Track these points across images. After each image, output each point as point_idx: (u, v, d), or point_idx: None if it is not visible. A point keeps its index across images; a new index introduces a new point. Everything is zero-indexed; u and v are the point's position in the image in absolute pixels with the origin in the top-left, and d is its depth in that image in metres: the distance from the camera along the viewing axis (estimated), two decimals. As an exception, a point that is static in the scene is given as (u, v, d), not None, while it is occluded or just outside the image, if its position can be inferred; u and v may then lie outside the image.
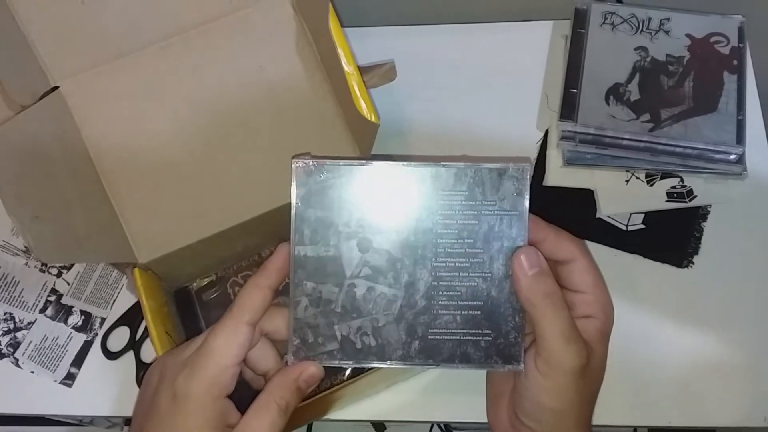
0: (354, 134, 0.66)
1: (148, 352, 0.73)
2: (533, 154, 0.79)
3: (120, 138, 0.64)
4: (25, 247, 0.78)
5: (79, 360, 0.74)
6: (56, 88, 0.63)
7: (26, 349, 0.74)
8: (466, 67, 0.85)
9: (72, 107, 0.63)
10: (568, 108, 0.76)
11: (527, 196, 0.48)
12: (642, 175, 0.76)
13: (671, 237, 0.74)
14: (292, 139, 0.65)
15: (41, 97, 0.62)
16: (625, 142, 0.75)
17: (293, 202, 0.48)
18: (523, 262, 0.47)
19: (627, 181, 0.76)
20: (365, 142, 0.64)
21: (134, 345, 0.73)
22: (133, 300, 0.75)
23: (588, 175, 0.77)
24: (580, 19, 0.81)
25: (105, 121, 0.64)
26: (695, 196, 0.75)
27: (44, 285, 0.77)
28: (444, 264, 0.48)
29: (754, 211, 0.74)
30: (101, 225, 0.63)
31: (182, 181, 0.65)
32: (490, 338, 0.48)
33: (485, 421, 0.55)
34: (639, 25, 0.80)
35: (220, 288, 0.72)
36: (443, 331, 0.48)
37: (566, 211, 0.76)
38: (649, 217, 0.75)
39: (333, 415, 0.69)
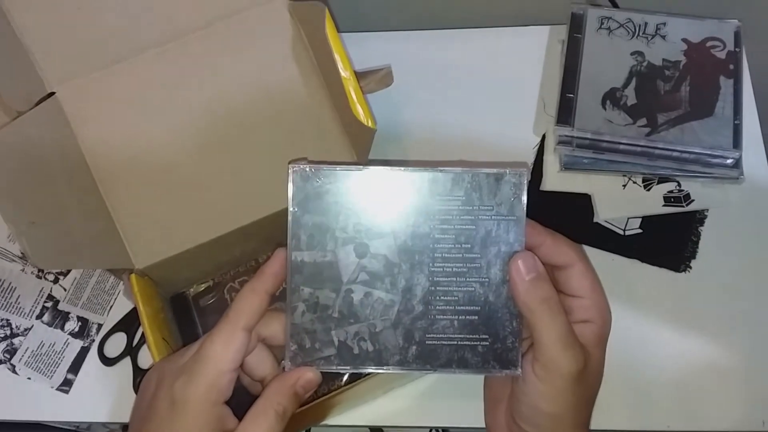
0: (351, 139, 0.66)
1: (145, 358, 0.73)
2: (530, 159, 0.79)
3: (116, 143, 0.64)
4: (22, 253, 0.78)
5: (75, 366, 0.73)
6: (52, 93, 0.63)
7: (23, 356, 0.74)
8: (462, 71, 0.85)
9: (68, 113, 0.63)
10: (565, 113, 0.76)
11: (524, 201, 0.48)
12: (639, 180, 0.76)
13: (668, 241, 0.74)
14: (289, 144, 0.65)
15: (37, 103, 0.62)
16: (622, 147, 0.75)
17: (290, 207, 0.47)
18: (521, 267, 0.47)
19: (624, 186, 0.76)
20: (362, 148, 0.63)
21: (131, 351, 0.73)
22: (129, 306, 0.75)
23: (585, 179, 0.77)
24: (576, 24, 0.81)
25: (101, 126, 0.64)
26: (692, 201, 0.75)
27: (41, 291, 0.77)
28: (441, 269, 0.48)
29: (751, 215, 0.74)
30: (98, 231, 0.62)
31: (179, 187, 0.65)
32: (487, 343, 0.48)
33: (483, 426, 0.54)
34: (635, 29, 0.80)
35: (217, 293, 0.71)
36: (440, 336, 0.48)
37: (563, 215, 0.76)
38: (647, 221, 0.75)
39: (331, 420, 0.69)
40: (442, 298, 0.48)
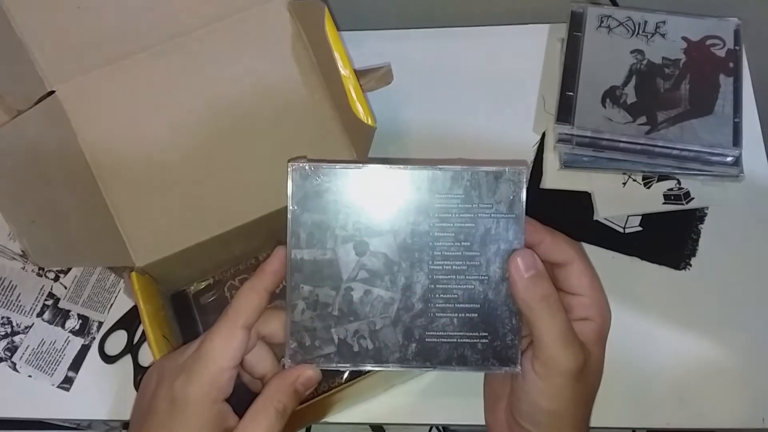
0: (351, 137, 0.66)
1: (145, 356, 0.73)
2: (530, 157, 0.79)
3: (116, 142, 0.64)
4: (22, 251, 0.78)
5: (76, 364, 0.74)
6: (52, 92, 0.63)
7: (24, 353, 0.74)
8: (462, 70, 0.85)
9: (68, 111, 0.63)
10: (565, 111, 0.76)
11: (524, 199, 0.48)
12: (639, 178, 0.76)
13: (668, 239, 0.74)
14: (289, 142, 0.65)
15: (37, 102, 0.62)
16: (621, 145, 0.75)
17: (289, 205, 0.48)
18: (520, 265, 0.47)
19: (624, 184, 0.76)
20: (362, 146, 0.64)
21: (132, 349, 0.73)
22: (130, 304, 0.75)
23: (585, 177, 0.77)
24: (576, 23, 0.81)
25: (101, 125, 0.64)
26: (692, 199, 0.75)
27: (41, 289, 0.77)
28: (441, 267, 0.48)
29: (751, 213, 0.74)
30: (98, 229, 0.63)
31: (179, 185, 0.65)
32: (486, 341, 0.48)
33: (483, 423, 0.55)
34: (635, 28, 0.80)
35: (217, 291, 0.72)
36: (440, 333, 0.48)
37: (563, 213, 0.76)
38: (647, 219, 0.75)
39: (331, 418, 0.69)
40: (441, 295, 0.48)
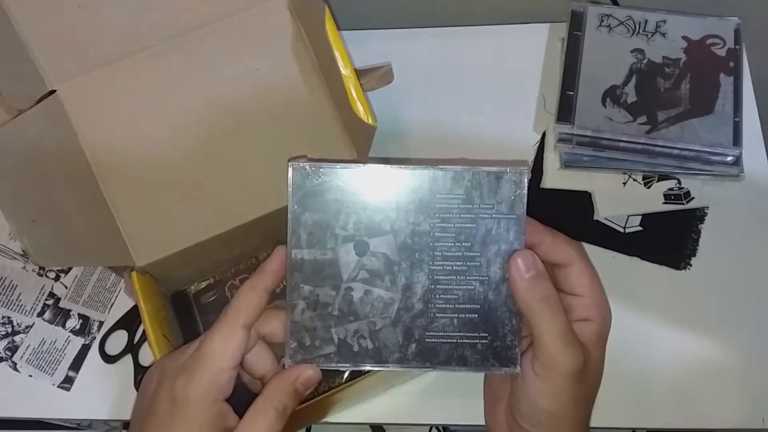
0: (351, 137, 0.66)
1: (146, 356, 0.73)
2: (530, 157, 0.79)
3: (117, 141, 0.64)
4: (23, 250, 0.78)
5: (77, 364, 0.74)
6: (53, 91, 0.63)
7: (24, 353, 0.74)
8: (463, 69, 0.85)
9: (69, 111, 0.63)
10: (565, 110, 0.76)
11: (525, 200, 0.48)
12: (639, 177, 0.76)
13: (669, 239, 0.74)
14: (289, 142, 0.65)
15: (38, 101, 0.62)
16: (622, 144, 0.75)
17: (290, 205, 0.48)
18: (520, 266, 0.47)
19: (624, 183, 0.76)
20: (362, 145, 0.64)
21: (132, 348, 0.73)
22: (131, 303, 0.75)
23: (585, 177, 0.77)
24: (576, 22, 0.81)
25: (102, 124, 0.64)
26: (692, 198, 0.75)
27: (42, 289, 0.77)
28: (441, 267, 0.48)
29: (751, 212, 0.74)
30: (98, 228, 0.63)
31: (179, 184, 0.65)
32: (486, 341, 0.48)
33: (483, 423, 0.55)
34: (635, 27, 0.80)
35: (217, 291, 0.72)
36: (440, 334, 0.48)
37: (563, 213, 0.76)
38: (647, 219, 0.75)
39: (331, 418, 0.69)
40: (441, 296, 0.48)
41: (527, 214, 0.48)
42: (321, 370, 0.49)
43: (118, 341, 0.74)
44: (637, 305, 0.71)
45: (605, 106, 0.76)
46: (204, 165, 0.65)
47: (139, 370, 0.72)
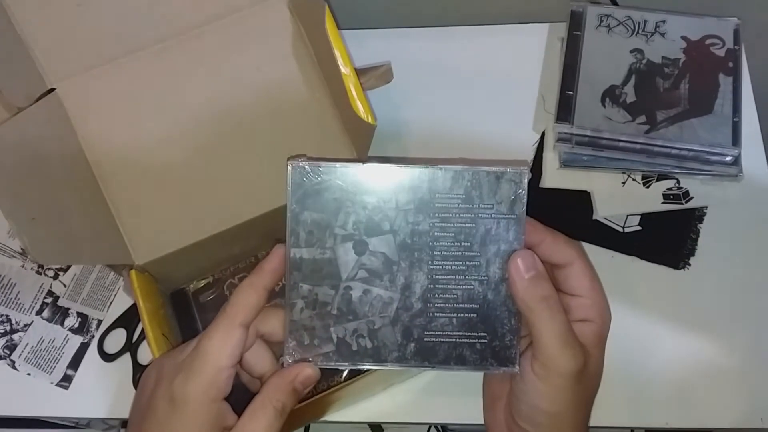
0: (351, 136, 0.66)
1: (144, 354, 0.73)
2: (530, 156, 0.79)
3: (116, 139, 0.64)
4: (22, 249, 0.78)
5: (75, 362, 0.73)
6: (52, 89, 0.63)
7: (23, 351, 0.74)
8: (462, 69, 0.85)
9: (68, 109, 0.63)
10: (565, 110, 0.76)
11: (525, 200, 0.48)
12: (638, 177, 0.76)
13: (668, 238, 0.74)
14: (289, 140, 0.65)
15: (37, 99, 0.62)
16: (621, 144, 0.75)
17: (288, 204, 0.47)
18: (520, 266, 0.47)
19: (623, 183, 0.76)
20: (362, 144, 0.64)
21: (131, 347, 0.73)
22: (129, 302, 0.75)
23: (584, 176, 0.77)
24: (575, 22, 0.81)
25: (101, 122, 0.64)
26: (691, 198, 0.75)
27: (41, 287, 0.77)
28: (440, 267, 0.48)
29: (750, 212, 0.74)
30: (98, 227, 0.63)
31: (179, 183, 0.65)
32: (485, 341, 0.48)
33: (482, 423, 0.55)
34: (634, 27, 0.80)
35: (216, 290, 0.72)
36: (439, 333, 0.48)
37: (563, 213, 0.76)
38: (646, 218, 0.75)
39: (330, 417, 0.69)
40: (441, 295, 0.48)
41: (527, 213, 0.48)
42: (320, 369, 0.49)
43: (116, 340, 0.74)
44: (636, 305, 0.71)
45: (604, 106, 0.76)
46: (203, 163, 0.65)
47: (138, 369, 0.72)
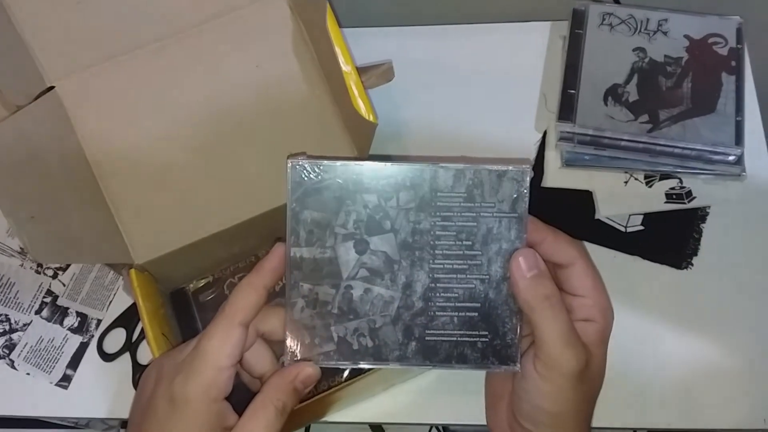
0: (352, 134, 0.65)
1: (144, 354, 0.72)
2: (531, 156, 0.79)
3: (116, 138, 0.64)
4: (21, 248, 0.78)
5: (75, 362, 0.73)
6: (52, 88, 0.63)
7: (22, 351, 0.74)
8: (464, 67, 0.85)
9: (68, 107, 0.63)
10: (567, 109, 0.76)
11: (527, 199, 0.47)
12: (641, 177, 0.76)
13: (670, 238, 0.74)
14: (290, 139, 0.65)
15: (37, 97, 0.62)
16: (623, 143, 0.74)
17: (288, 202, 0.47)
18: (522, 265, 0.47)
19: (626, 183, 0.76)
20: (363, 143, 0.63)
21: (131, 347, 0.73)
22: (129, 301, 0.75)
23: (586, 176, 0.77)
24: (578, 20, 0.81)
25: (101, 121, 0.64)
26: (694, 198, 0.74)
27: (40, 286, 0.77)
28: (441, 266, 0.48)
29: (753, 212, 0.74)
30: (97, 225, 0.62)
31: (179, 181, 0.64)
32: (486, 339, 0.48)
33: (484, 423, 0.54)
34: (637, 25, 0.80)
35: (216, 289, 0.71)
36: (440, 332, 0.48)
37: (565, 212, 0.76)
38: (648, 218, 0.75)
39: (330, 417, 0.69)
40: (442, 294, 0.48)
41: (528, 212, 0.48)
42: (320, 368, 0.48)
43: (116, 339, 0.74)
44: (639, 305, 0.71)
45: (607, 105, 0.76)
46: (203, 161, 0.65)
47: (138, 369, 0.72)
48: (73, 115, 0.63)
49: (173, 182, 0.64)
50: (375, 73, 0.71)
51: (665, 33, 0.79)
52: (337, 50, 0.58)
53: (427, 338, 0.48)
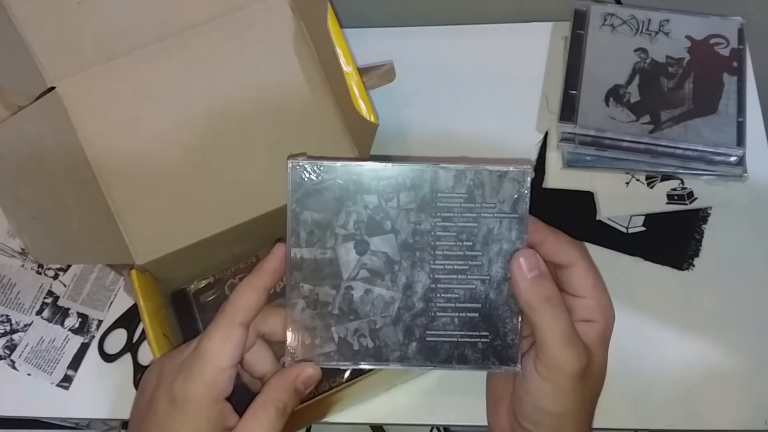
0: (353, 135, 0.65)
1: (145, 355, 0.72)
2: (533, 156, 0.79)
3: (116, 139, 0.64)
4: (22, 248, 0.78)
5: (75, 362, 0.73)
6: (53, 88, 0.63)
7: (23, 352, 0.74)
8: (465, 68, 0.85)
9: (68, 108, 0.63)
10: (568, 110, 0.76)
11: (528, 200, 0.47)
12: (642, 177, 0.76)
13: (672, 239, 0.74)
14: (291, 140, 0.65)
15: (37, 98, 0.62)
16: (625, 144, 0.74)
17: (289, 203, 0.47)
18: (522, 265, 0.47)
19: (627, 183, 0.76)
20: (364, 143, 0.63)
21: (131, 347, 0.73)
22: (130, 302, 0.75)
23: (588, 177, 0.76)
24: (579, 21, 0.81)
25: (101, 121, 0.64)
26: (696, 198, 0.74)
27: (41, 287, 0.77)
28: (442, 266, 0.48)
29: (755, 213, 0.74)
30: (98, 226, 0.62)
31: (179, 182, 0.64)
32: (487, 340, 0.48)
33: (485, 424, 0.54)
34: (639, 26, 0.80)
35: (217, 290, 0.71)
36: (441, 332, 0.48)
37: (566, 213, 0.75)
38: (650, 219, 0.75)
39: (331, 418, 0.69)
40: (442, 295, 0.48)
41: (529, 213, 0.48)
42: (321, 368, 0.48)
43: (117, 340, 0.74)
44: (640, 306, 0.71)
45: (608, 106, 0.76)
46: (204, 162, 0.65)
47: (139, 369, 0.72)
48: (74, 115, 0.63)
49: (174, 183, 0.64)
50: (376, 74, 0.71)
51: (667, 34, 0.79)
52: (338, 51, 0.58)
53: (427, 339, 0.48)
